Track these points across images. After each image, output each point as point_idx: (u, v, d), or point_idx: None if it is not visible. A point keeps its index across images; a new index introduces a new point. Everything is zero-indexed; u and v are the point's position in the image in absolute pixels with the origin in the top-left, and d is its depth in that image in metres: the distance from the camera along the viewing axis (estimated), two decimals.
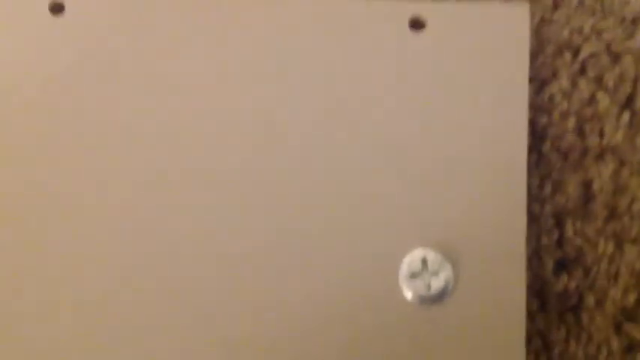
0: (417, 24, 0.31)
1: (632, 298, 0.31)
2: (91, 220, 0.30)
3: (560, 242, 0.32)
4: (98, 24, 0.31)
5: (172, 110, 0.31)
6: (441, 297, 0.29)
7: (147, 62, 0.31)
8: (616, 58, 0.33)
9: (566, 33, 0.33)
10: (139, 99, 0.31)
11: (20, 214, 0.30)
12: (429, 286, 0.29)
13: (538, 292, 0.31)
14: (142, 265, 0.29)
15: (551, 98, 0.33)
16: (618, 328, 0.31)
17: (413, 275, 0.29)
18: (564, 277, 0.32)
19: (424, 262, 0.29)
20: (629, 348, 0.31)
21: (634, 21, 0.33)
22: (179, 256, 0.29)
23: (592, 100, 0.33)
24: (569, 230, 0.32)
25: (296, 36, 0.31)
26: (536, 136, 0.33)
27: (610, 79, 0.33)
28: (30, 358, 0.28)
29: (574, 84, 0.33)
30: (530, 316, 0.30)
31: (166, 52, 0.31)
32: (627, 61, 0.33)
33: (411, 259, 0.29)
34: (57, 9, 0.31)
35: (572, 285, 0.32)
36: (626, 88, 0.33)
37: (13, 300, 0.29)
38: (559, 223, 0.32)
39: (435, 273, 0.29)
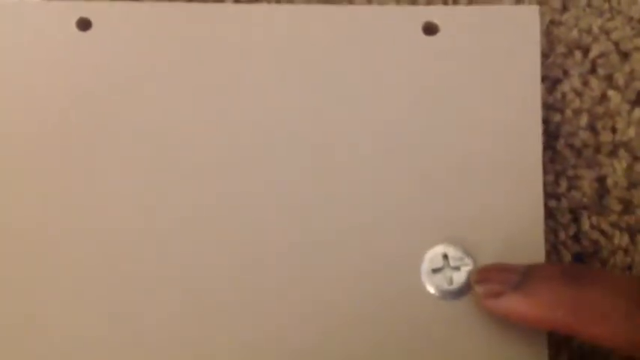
0: (430, 29, 0.32)
1: None
2: (109, 221, 0.31)
3: (577, 237, 0.33)
4: (124, 39, 0.32)
5: (196, 120, 0.32)
6: (462, 291, 0.29)
7: (172, 75, 0.32)
8: (625, 56, 0.34)
9: (575, 33, 0.34)
10: (163, 111, 0.32)
11: (42, 219, 0.31)
12: (450, 281, 0.29)
13: None
14: (163, 271, 0.30)
15: (564, 97, 0.34)
16: None
17: (435, 270, 0.29)
18: None
19: (445, 257, 0.30)
20: None
21: None
22: (205, 256, 0.30)
23: (603, 97, 0.34)
24: (585, 225, 0.33)
25: (314, 42, 0.32)
26: (550, 133, 0.33)
27: (620, 77, 0.34)
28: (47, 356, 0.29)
29: (585, 83, 0.34)
30: None
31: (190, 65, 0.32)
32: (637, 59, 0.34)
33: (433, 254, 0.30)
34: (84, 25, 0.32)
35: None
36: (637, 86, 0.34)
37: (26, 301, 0.30)
38: (575, 218, 0.33)
39: (457, 268, 0.29)
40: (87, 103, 0.32)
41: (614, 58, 0.34)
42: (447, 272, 0.29)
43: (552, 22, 0.35)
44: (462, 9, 0.33)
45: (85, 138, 0.31)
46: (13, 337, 0.29)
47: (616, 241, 0.32)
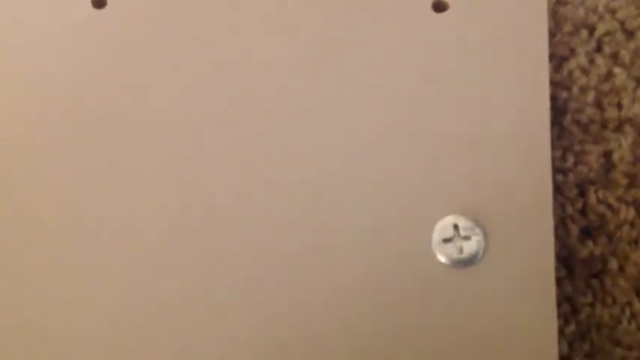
0: (440, 6, 0.33)
1: None
2: (113, 208, 0.31)
3: (584, 211, 0.33)
4: (139, 17, 0.33)
5: (212, 99, 0.32)
6: (472, 260, 0.30)
7: (188, 52, 0.32)
8: (630, 34, 0.35)
9: (581, 12, 0.35)
10: (179, 91, 0.32)
11: (49, 209, 0.31)
12: (461, 250, 0.30)
13: (565, 259, 0.33)
14: (165, 260, 0.30)
15: (570, 74, 0.34)
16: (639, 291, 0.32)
17: (445, 240, 0.30)
18: (589, 244, 0.33)
19: (456, 227, 0.30)
20: None
21: None
22: (213, 238, 0.31)
23: (609, 75, 0.34)
24: (592, 199, 0.33)
25: (321, 17, 0.33)
26: (558, 110, 0.34)
27: (625, 55, 0.34)
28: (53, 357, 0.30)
29: (591, 60, 0.35)
30: (558, 282, 0.32)
31: (205, 45, 0.33)
32: None
33: (443, 225, 0.30)
34: (99, 3, 0.33)
35: (597, 251, 0.33)
36: None
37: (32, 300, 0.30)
38: (582, 193, 0.33)
39: (467, 237, 0.30)
40: (102, 80, 0.32)
41: (620, 36, 0.35)
42: (458, 242, 0.30)
43: (559, 2, 0.35)
44: None
45: (100, 116, 0.32)
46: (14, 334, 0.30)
47: (622, 215, 0.33)
